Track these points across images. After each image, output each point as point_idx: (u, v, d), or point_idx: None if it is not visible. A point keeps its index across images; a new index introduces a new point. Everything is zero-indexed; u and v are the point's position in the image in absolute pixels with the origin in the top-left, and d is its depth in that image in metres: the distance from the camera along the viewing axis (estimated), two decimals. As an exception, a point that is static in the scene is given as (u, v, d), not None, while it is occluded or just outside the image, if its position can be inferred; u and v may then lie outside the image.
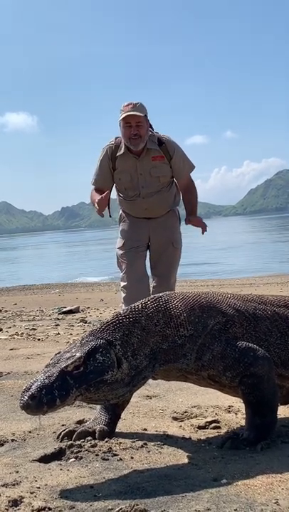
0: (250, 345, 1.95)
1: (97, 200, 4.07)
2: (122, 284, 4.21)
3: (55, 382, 1.68)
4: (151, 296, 2.06)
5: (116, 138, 4.20)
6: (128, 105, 4.01)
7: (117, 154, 4.19)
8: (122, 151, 4.17)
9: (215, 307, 2.02)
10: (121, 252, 4.28)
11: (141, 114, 4.00)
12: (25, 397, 1.66)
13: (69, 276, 19.74)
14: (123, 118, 4.00)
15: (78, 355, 1.75)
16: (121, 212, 4.40)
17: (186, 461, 1.86)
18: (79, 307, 8.37)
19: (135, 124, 4.01)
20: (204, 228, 4.29)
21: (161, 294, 2.04)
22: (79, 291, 13.56)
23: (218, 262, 20.62)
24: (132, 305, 1.99)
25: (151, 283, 4.22)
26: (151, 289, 4.18)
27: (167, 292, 2.09)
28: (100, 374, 1.75)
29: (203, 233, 4.31)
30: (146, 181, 4.18)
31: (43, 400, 1.65)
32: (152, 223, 4.28)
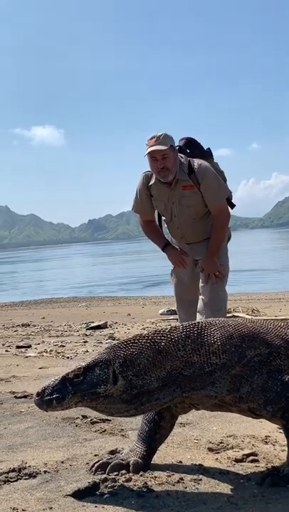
0: (294, 378, 1.87)
1: (175, 262, 4.40)
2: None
3: (56, 385, 1.83)
4: (191, 321, 2.01)
5: None
6: (152, 139, 4.00)
7: (150, 184, 4.25)
8: (153, 180, 4.21)
9: (259, 337, 1.95)
10: (171, 271, 4.56)
11: (164, 148, 3.96)
12: (35, 393, 1.87)
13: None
14: (148, 153, 4.01)
15: (81, 364, 1.87)
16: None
17: (224, 499, 1.79)
18: (106, 322, 8.33)
19: (161, 157, 4.00)
20: (213, 277, 4.22)
21: (201, 320, 2.00)
22: (106, 305, 13.56)
23: (246, 275, 20.41)
24: (163, 327, 1.99)
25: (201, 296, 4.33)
26: (200, 301, 4.31)
27: (210, 319, 2.04)
28: (93, 386, 1.83)
29: (206, 281, 4.25)
30: (178, 210, 4.23)
31: (44, 398, 1.83)
32: (194, 247, 4.37)
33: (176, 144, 4.22)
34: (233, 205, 4.41)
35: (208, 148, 4.38)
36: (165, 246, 4.44)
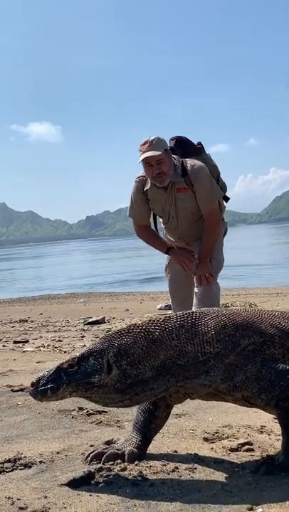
0: (287, 367, 1.88)
1: (182, 264, 4.30)
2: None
3: (51, 375, 1.84)
4: (185, 311, 2.01)
5: None
6: (144, 144, 3.96)
7: (145, 189, 4.21)
8: (148, 185, 4.18)
9: (253, 326, 1.95)
10: (165, 266, 4.59)
11: (159, 153, 3.93)
12: (30, 383, 1.88)
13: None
14: (143, 159, 3.97)
15: (76, 355, 1.88)
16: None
17: (219, 487, 1.79)
18: (104, 318, 8.33)
19: (155, 162, 3.96)
20: (206, 280, 4.22)
21: (195, 310, 2.00)
22: (104, 301, 13.54)
23: (244, 270, 20.42)
24: (157, 317, 2.00)
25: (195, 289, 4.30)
26: (194, 296, 4.28)
27: (204, 309, 2.04)
28: (87, 376, 1.83)
29: (199, 283, 4.23)
30: (175, 213, 4.22)
31: (38, 388, 1.84)
32: (192, 244, 4.37)
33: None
34: (227, 199, 4.41)
35: (199, 143, 4.34)
36: (168, 249, 4.42)
